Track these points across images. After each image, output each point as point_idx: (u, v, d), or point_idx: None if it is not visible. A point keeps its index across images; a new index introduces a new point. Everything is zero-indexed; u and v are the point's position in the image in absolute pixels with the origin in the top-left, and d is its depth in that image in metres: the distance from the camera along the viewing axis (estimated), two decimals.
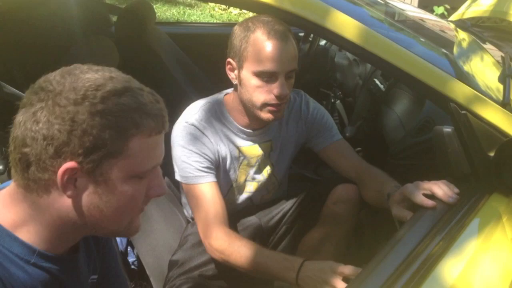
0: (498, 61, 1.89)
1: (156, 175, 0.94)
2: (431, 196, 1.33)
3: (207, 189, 1.60)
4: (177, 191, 1.97)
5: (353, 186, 1.70)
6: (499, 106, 1.37)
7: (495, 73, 1.66)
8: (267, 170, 1.78)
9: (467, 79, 1.52)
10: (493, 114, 1.35)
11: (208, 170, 1.63)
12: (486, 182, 1.34)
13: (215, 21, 6.54)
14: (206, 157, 1.63)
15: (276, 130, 1.74)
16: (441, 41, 1.94)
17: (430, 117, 1.82)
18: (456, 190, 1.31)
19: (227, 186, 1.73)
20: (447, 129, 1.33)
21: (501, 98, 1.42)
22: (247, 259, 1.48)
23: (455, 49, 1.84)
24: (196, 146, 1.62)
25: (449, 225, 1.20)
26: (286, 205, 1.82)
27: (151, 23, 2.69)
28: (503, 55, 1.94)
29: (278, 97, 1.54)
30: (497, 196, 1.33)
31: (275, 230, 1.83)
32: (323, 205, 1.73)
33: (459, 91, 1.36)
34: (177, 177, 1.66)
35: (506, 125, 1.35)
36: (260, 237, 1.79)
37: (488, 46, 2.22)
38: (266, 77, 1.53)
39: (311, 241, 1.74)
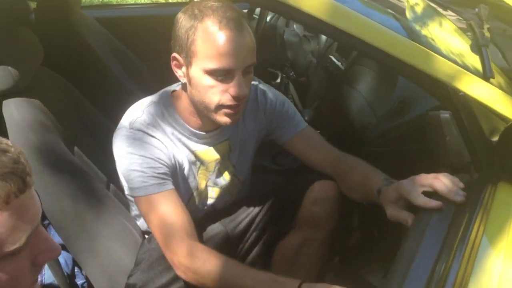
0: (463, 29, 1.73)
1: (41, 239, 0.74)
2: (432, 193, 1.15)
3: (167, 198, 1.36)
4: (125, 200, 1.71)
5: (331, 182, 1.51)
6: (487, 82, 1.21)
7: (464, 43, 1.50)
8: (228, 173, 1.55)
9: (447, 55, 1.34)
10: (481, 90, 1.18)
11: (165, 177, 1.38)
12: (489, 172, 1.17)
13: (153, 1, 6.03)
14: (161, 162, 1.38)
15: (233, 127, 1.51)
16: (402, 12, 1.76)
17: (405, 97, 1.64)
18: (461, 184, 1.14)
19: (188, 195, 1.49)
20: (445, 115, 1.14)
21: (480, 71, 1.26)
22: (227, 281, 1.25)
23: (418, 19, 1.66)
24: (147, 150, 1.37)
25: (467, 231, 1.02)
26: (254, 209, 1.61)
27: (76, 7, 2.38)
28: (469, 22, 1.79)
29: (235, 97, 1.30)
30: (504, 187, 1.16)
31: (243, 238, 1.61)
32: (299, 207, 1.53)
33: (444, 68, 1.18)
34: (128, 191, 1.41)
35: (502, 106, 1.18)
36: (227, 247, 1.56)
37: (448, 13, 2.07)
38: (221, 75, 1.29)
39: (288, 247, 1.54)
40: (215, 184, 1.54)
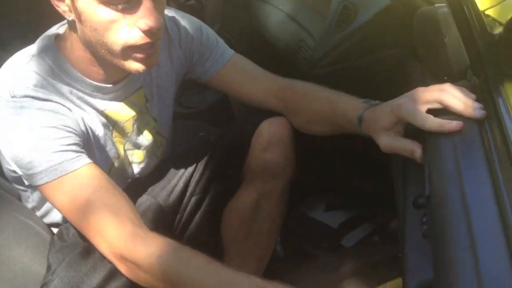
0: None
1: None
2: (438, 111, 0.90)
3: (87, 175, 0.99)
4: (14, 190, 1.29)
5: (282, 119, 1.21)
6: None
7: None
8: (149, 130, 1.20)
9: None
10: None
11: (78, 149, 1.01)
12: (495, 73, 0.94)
13: None
14: (69, 129, 1.01)
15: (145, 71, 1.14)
16: None
17: (349, 1, 1.34)
18: (473, 95, 0.89)
19: (108, 166, 1.13)
20: (443, 9, 0.87)
21: None
22: (182, 279, 0.93)
23: None
24: (46, 119, 0.98)
25: (501, 149, 0.78)
26: (187, 169, 1.28)
27: None
28: None
29: (148, 32, 0.94)
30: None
31: (180, 206, 1.29)
32: (245, 156, 1.22)
33: None
34: (27, 180, 1.02)
35: None
36: (162, 220, 1.24)
37: None
38: (121, 2, 0.91)
39: (241, 207, 1.25)
40: (136, 146, 1.18)
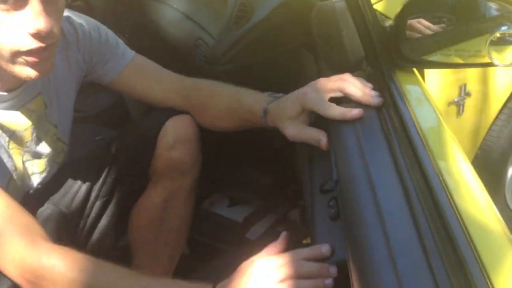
0: None
1: None
2: (339, 101, 0.95)
3: None
4: None
5: (187, 116, 1.21)
6: None
7: None
8: (50, 137, 1.15)
9: None
10: None
11: None
12: (387, 62, 1.02)
13: None
14: None
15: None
16: None
17: None
18: (370, 84, 0.96)
19: (5, 181, 1.06)
20: (339, 3, 0.92)
21: None
22: None
23: None
24: None
25: (399, 131, 0.85)
26: (89, 174, 1.24)
27: None
28: None
29: (37, 36, 0.88)
30: (404, 75, 1.01)
31: (83, 211, 1.24)
32: (151, 156, 1.21)
33: None
34: None
35: None
36: (66, 228, 1.20)
37: None
38: (3, 1, 0.85)
39: (151, 206, 1.23)
40: (36, 156, 1.12)
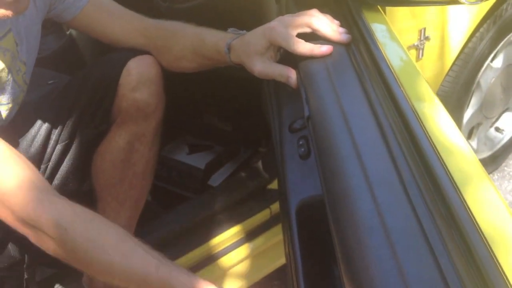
0: None
1: None
2: (308, 37, 0.94)
3: None
4: None
5: (150, 57, 1.18)
6: None
7: None
8: (21, 76, 1.10)
9: None
10: None
11: None
12: (352, 2, 1.01)
13: None
14: None
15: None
16: None
17: None
18: (337, 21, 0.95)
19: None
20: None
21: None
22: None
23: None
24: None
25: (370, 67, 0.85)
26: (47, 116, 1.19)
27: None
28: None
29: None
30: (370, 13, 1.01)
31: (43, 155, 1.21)
32: (113, 98, 1.17)
33: None
34: None
35: None
36: None
37: None
38: None
39: (114, 150, 1.20)
40: (9, 99, 1.08)
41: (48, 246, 0.88)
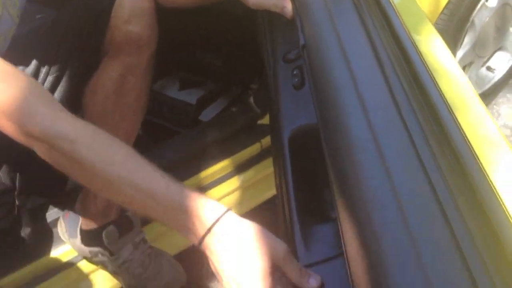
0: None
1: None
2: None
3: None
4: None
5: None
6: None
7: None
8: (14, 11, 1.08)
9: None
10: None
11: None
12: None
13: None
14: None
15: None
16: None
17: None
18: None
19: None
20: None
21: None
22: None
23: None
24: None
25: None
26: (36, 49, 1.18)
27: None
28: None
29: None
30: None
31: None
32: (105, 29, 1.15)
33: None
34: None
35: None
36: None
37: None
38: None
39: (106, 82, 1.19)
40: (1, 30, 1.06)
41: (54, 159, 0.86)
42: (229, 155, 1.57)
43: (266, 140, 1.61)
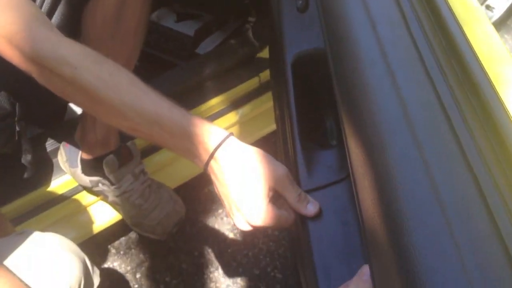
0: None
1: None
2: None
3: None
4: None
5: None
6: None
7: None
8: None
9: None
10: None
11: None
12: None
13: None
14: None
15: None
16: None
17: None
18: None
19: None
20: None
21: None
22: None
23: None
24: None
25: None
26: None
27: None
28: None
29: None
30: None
31: None
32: None
33: None
34: None
35: None
36: None
37: None
38: None
39: (105, 4, 1.16)
40: None
41: (57, 86, 0.85)
42: (227, 89, 1.56)
43: (265, 74, 1.59)
